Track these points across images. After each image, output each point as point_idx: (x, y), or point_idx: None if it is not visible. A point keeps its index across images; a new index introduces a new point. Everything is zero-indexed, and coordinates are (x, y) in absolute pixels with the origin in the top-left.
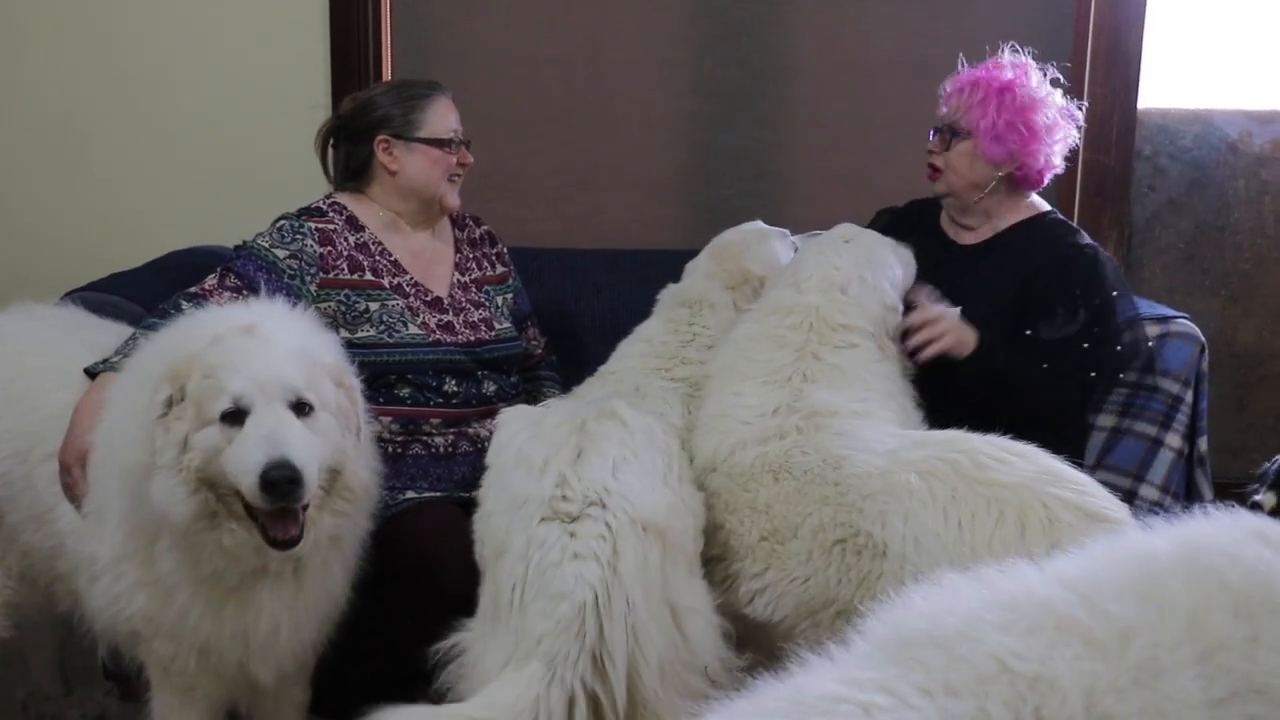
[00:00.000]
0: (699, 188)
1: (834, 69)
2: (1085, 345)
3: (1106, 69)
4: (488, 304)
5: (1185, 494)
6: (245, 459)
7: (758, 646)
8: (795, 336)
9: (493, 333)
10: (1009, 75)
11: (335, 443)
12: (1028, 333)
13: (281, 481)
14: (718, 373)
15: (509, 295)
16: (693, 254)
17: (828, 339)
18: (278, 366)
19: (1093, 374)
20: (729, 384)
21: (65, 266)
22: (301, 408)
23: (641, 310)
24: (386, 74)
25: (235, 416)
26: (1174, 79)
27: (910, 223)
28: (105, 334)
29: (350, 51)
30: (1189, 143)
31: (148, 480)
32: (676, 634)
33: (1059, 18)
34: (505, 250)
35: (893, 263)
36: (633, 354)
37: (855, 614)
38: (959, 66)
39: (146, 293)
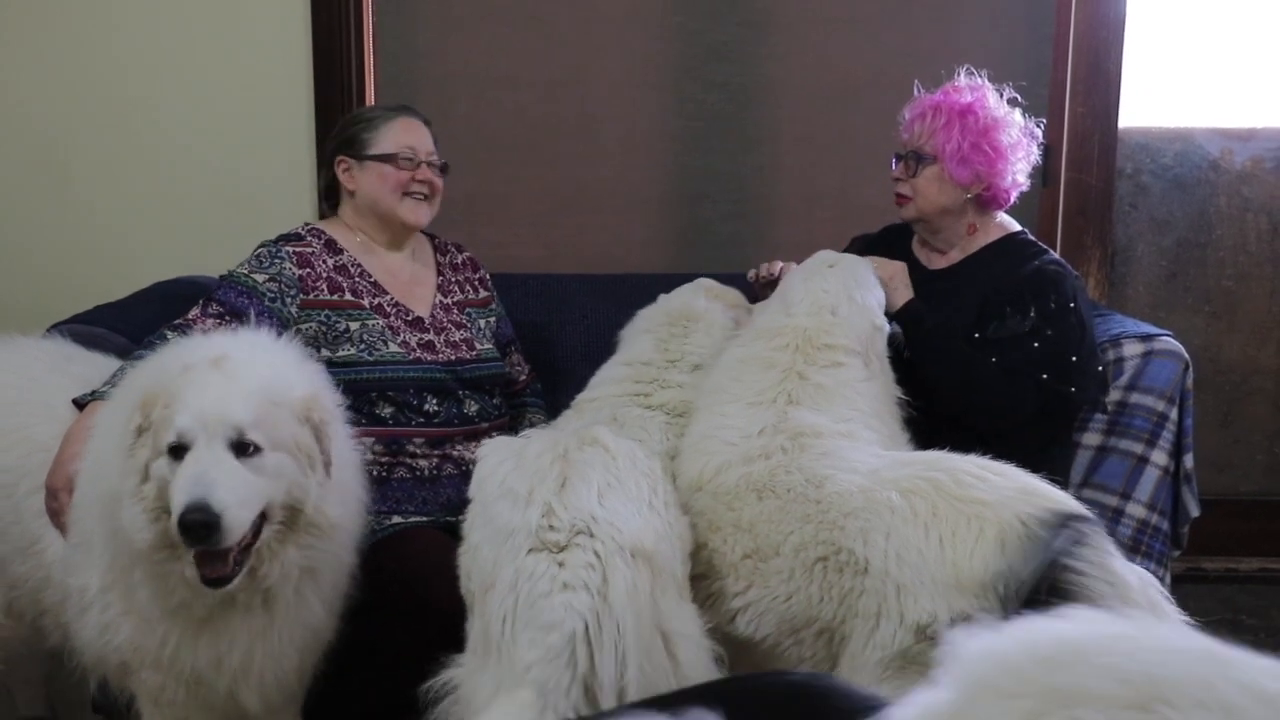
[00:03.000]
0: (682, 211)
1: (815, 90)
2: (1036, 344)
3: (1087, 89)
4: (469, 325)
5: (1172, 511)
6: (173, 497)
7: (751, 665)
8: (783, 357)
9: (474, 353)
10: (968, 98)
11: (291, 481)
12: (976, 335)
13: (196, 526)
14: (706, 395)
15: (491, 319)
16: (676, 277)
17: (814, 359)
18: (226, 403)
19: (1045, 375)
20: (716, 405)
21: (50, 299)
22: (244, 447)
23: None
24: (369, 100)
25: (177, 451)
26: (1154, 98)
27: (884, 249)
28: (91, 367)
29: (333, 78)
30: (1170, 161)
31: (119, 507)
32: (667, 660)
33: (1039, 38)
34: (487, 276)
35: (876, 283)
36: (610, 379)
37: (837, 632)
38: (915, 92)
39: (132, 324)
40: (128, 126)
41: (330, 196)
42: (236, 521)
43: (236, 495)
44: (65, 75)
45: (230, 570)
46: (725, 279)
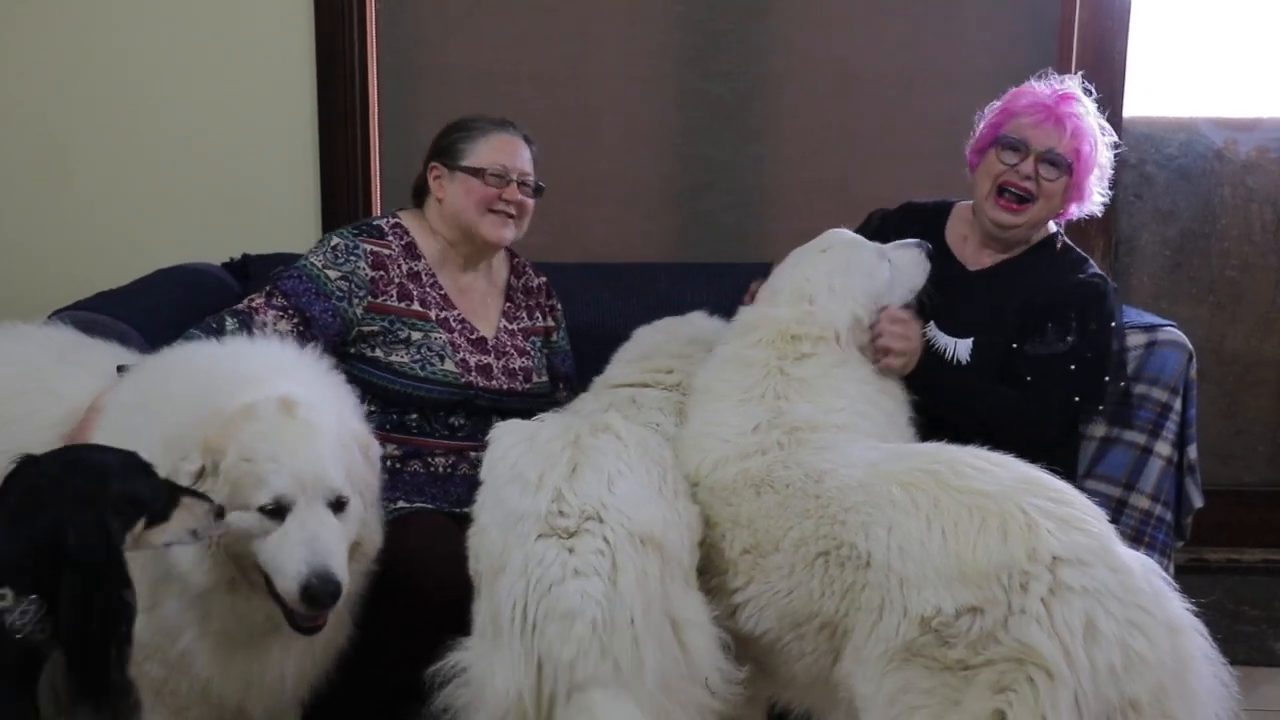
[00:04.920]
0: (683, 201)
1: (817, 81)
2: (1072, 368)
3: (1092, 78)
4: (533, 354)
5: (1176, 502)
6: (286, 563)
7: (752, 659)
8: (759, 354)
9: (528, 385)
10: (1100, 131)
11: (360, 521)
12: (1014, 345)
13: (324, 595)
14: (696, 393)
15: (550, 352)
16: (677, 267)
17: (786, 353)
18: (321, 464)
19: (1077, 399)
20: (707, 403)
21: (51, 286)
22: (340, 505)
23: (626, 324)
24: (371, 92)
25: (276, 512)
26: (1159, 87)
27: (912, 230)
28: (96, 353)
29: (334, 69)
30: (1175, 150)
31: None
32: (677, 647)
33: (1044, 27)
34: (559, 306)
35: (874, 268)
36: (626, 360)
37: (839, 626)
38: (1048, 78)
39: (133, 311)
40: (130, 123)
41: (419, 195)
42: (347, 583)
43: (343, 557)
44: (68, 73)
45: (325, 620)
46: (725, 270)
